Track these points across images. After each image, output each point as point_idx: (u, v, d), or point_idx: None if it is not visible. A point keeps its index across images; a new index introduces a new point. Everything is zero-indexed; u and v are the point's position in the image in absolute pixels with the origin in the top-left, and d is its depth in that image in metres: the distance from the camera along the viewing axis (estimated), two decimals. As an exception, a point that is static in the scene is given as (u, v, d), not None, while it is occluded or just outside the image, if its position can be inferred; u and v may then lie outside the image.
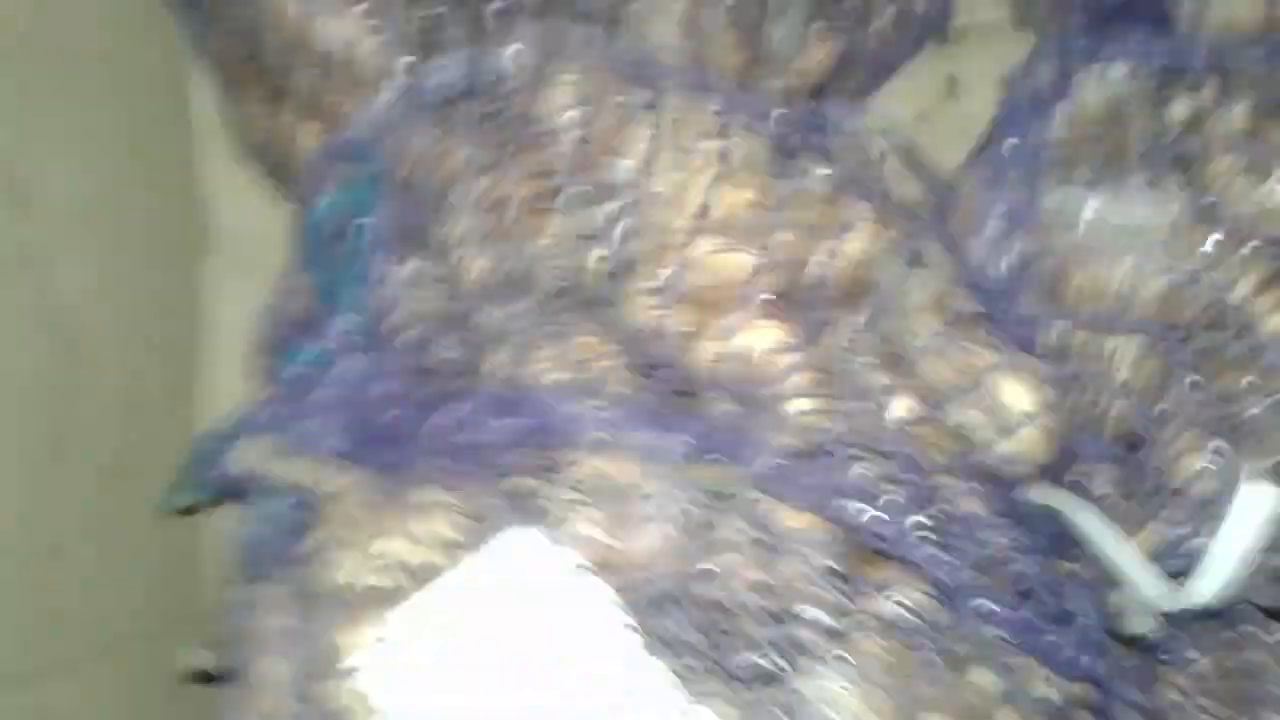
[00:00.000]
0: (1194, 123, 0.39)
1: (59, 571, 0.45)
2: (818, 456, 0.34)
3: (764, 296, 0.36)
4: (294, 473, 0.35)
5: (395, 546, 0.33)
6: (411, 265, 0.40)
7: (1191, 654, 0.35)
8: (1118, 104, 0.41)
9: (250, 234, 0.56)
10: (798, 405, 0.35)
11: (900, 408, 0.36)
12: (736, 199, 0.37)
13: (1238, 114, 0.39)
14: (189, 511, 0.49)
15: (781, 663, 0.31)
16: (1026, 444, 0.37)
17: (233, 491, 0.38)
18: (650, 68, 0.39)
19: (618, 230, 0.37)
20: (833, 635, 0.32)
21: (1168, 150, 0.39)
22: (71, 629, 0.46)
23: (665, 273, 0.37)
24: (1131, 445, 0.38)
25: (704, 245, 0.37)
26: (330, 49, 0.45)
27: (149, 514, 0.48)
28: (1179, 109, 0.40)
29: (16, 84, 0.45)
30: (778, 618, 0.31)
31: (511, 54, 0.40)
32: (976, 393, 0.37)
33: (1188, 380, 0.36)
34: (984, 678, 0.35)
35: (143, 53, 0.54)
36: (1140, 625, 0.35)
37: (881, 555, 0.36)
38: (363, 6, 0.44)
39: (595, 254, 0.37)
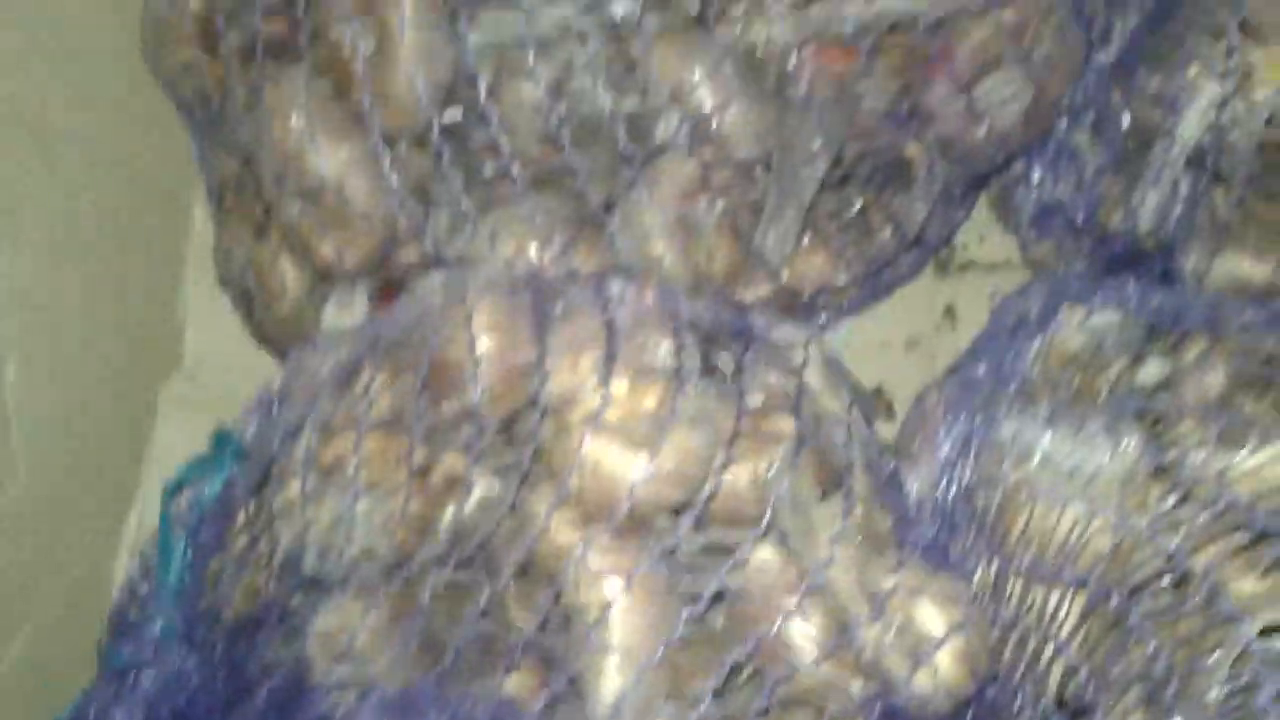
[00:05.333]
0: (1165, 385, 0.37)
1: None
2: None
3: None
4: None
5: None
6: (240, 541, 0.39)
7: None
8: (1095, 349, 0.38)
9: (217, 363, 0.56)
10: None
11: (804, 638, 0.34)
12: (637, 401, 0.35)
13: (1212, 380, 0.36)
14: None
15: None
16: (943, 670, 0.34)
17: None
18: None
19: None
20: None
21: (1133, 403, 0.36)
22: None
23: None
24: (1077, 711, 0.35)
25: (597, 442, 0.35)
26: (322, 181, 0.44)
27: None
28: (1152, 370, 0.37)
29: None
30: None
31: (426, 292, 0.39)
32: (888, 617, 0.35)
33: (1142, 646, 0.33)
34: None
35: (151, 164, 0.54)
36: None
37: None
38: (361, 144, 0.43)
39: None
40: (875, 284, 0.49)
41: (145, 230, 0.54)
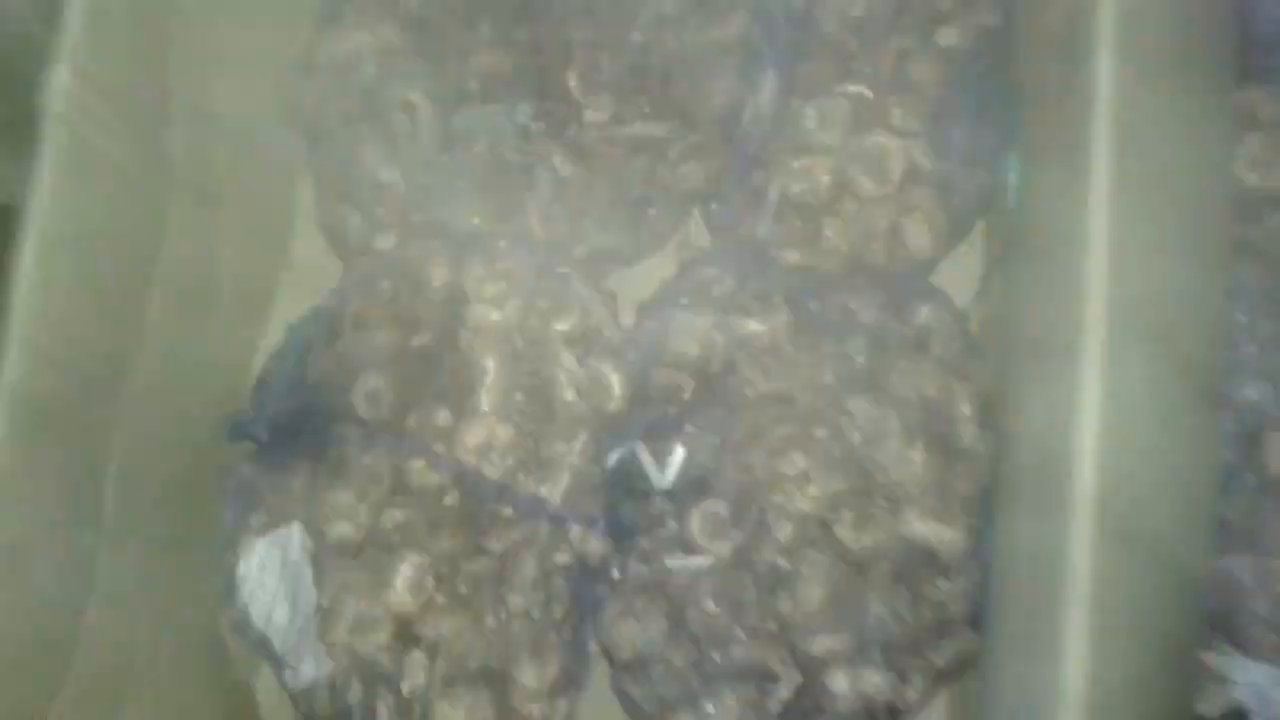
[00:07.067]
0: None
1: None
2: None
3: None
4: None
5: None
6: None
7: None
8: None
9: (312, 271, 0.95)
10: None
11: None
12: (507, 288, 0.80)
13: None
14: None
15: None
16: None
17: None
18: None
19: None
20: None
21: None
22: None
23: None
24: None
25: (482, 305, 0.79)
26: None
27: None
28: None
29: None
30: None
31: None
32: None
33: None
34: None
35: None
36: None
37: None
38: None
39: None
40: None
41: (269, 187, 0.97)
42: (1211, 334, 0.72)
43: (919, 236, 0.86)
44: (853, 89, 0.87)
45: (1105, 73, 0.59)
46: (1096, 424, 0.55)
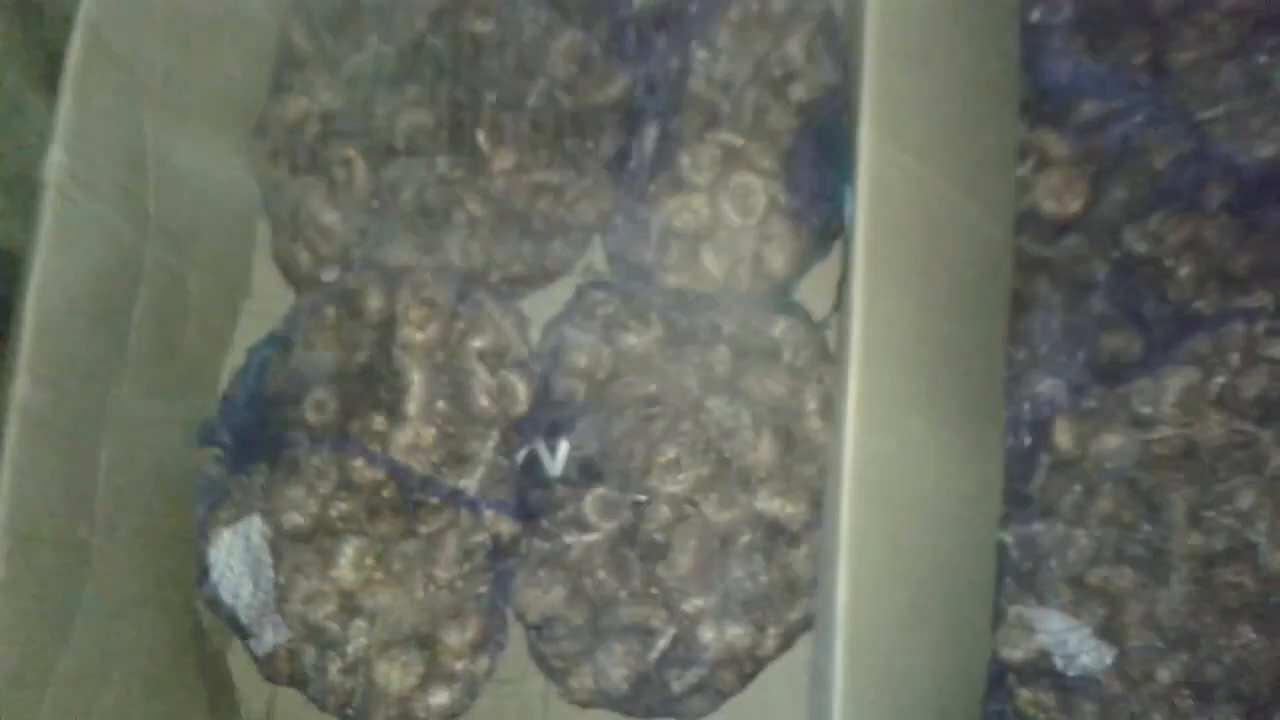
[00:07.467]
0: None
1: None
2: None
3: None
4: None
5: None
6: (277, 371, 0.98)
7: None
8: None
9: (269, 300, 1.11)
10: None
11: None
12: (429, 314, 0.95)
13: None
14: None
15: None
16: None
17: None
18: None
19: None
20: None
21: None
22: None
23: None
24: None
25: (410, 328, 0.95)
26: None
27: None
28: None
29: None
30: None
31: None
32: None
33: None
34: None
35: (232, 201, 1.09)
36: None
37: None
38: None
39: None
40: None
41: (230, 230, 1.13)
42: (990, 339, 0.89)
43: (776, 260, 1.02)
44: (721, 137, 1.03)
45: (864, 134, 0.75)
46: (855, 409, 0.71)
